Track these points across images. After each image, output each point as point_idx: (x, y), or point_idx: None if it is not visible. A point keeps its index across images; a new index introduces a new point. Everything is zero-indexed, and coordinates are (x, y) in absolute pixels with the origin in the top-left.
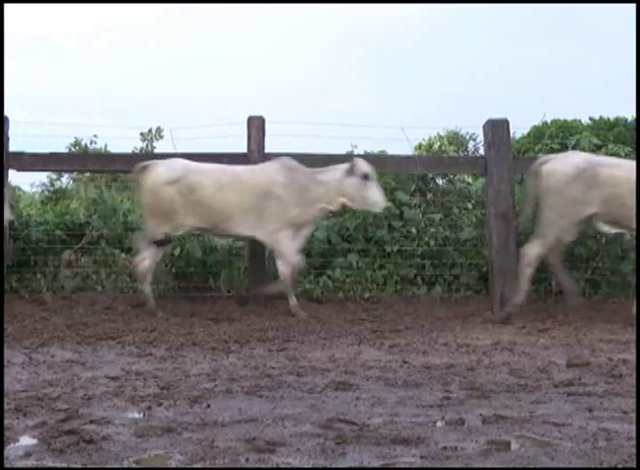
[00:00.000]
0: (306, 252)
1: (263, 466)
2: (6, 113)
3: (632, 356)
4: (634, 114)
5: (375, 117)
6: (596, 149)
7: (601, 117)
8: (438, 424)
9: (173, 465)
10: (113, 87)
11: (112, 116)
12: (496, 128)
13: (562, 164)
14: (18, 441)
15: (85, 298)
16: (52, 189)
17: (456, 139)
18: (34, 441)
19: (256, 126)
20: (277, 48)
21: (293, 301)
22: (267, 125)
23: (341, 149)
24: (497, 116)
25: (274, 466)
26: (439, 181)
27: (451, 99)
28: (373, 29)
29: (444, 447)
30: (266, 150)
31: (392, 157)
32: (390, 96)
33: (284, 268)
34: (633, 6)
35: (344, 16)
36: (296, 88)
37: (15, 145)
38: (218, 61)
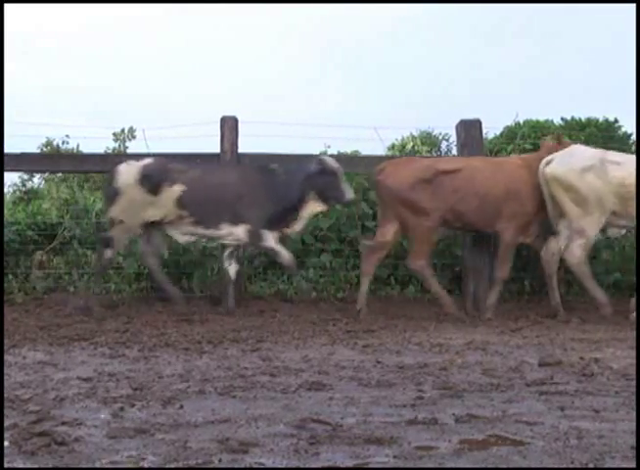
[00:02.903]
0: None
1: (237, 467)
2: None
3: (604, 355)
4: (605, 114)
5: (354, 118)
6: None
7: (573, 118)
8: (411, 424)
9: (146, 466)
10: (85, 87)
11: (83, 116)
12: (469, 128)
13: (575, 161)
14: None
15: (57, 299)
16: (24, 189)
17: (429, 139)
18: (5, 443)
19: (230, 126)
20: (256, 49)
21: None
22: (241, 125)
23: (314, 149)
24: (470, 116)
25: (247, 466)
26: None
27: (425, 99)
28: (353, 30)
29: (417, 447)
30: (240, 150)
31: (366, 157)
32: (369, 96)
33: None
34: (610, 6)
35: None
36: (276, 88)
37: None
38: (192, 61)
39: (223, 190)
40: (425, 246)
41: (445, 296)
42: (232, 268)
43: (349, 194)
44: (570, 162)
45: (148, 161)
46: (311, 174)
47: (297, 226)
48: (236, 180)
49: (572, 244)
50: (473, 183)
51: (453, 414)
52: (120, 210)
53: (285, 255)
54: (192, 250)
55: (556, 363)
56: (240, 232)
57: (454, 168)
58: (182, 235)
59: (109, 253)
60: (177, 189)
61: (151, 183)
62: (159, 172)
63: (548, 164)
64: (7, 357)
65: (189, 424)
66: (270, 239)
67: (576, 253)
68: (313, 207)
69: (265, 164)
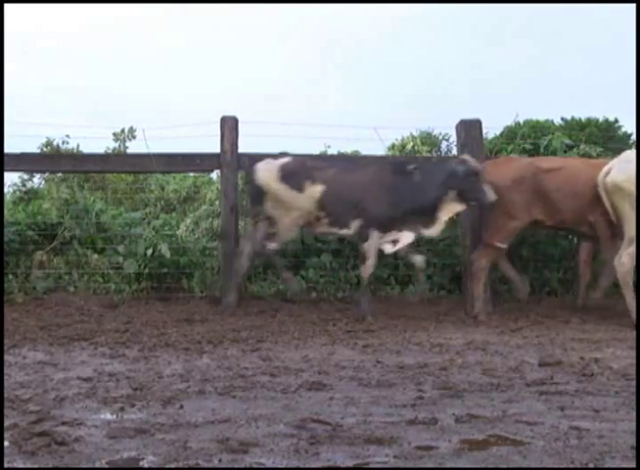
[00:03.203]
0: (280, 252)
1: (237, 466)
2: None
3: (604, 355)
4: (605, 114)
5: (354, 118)
6: (568, 149)
7: (573, 118)
8: (412, 424)
9: (146, 466)
10: (85, 87)
11: (83, 116)
12: (469, 128)
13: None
14: None
15: (57, 299)
16: (24, 189)
17: (429, 139)
18: (5, 443)
19: (230, 126)
20: (256, 49)
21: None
22: (241, 125)
23: (315, 149)
24: (470, 116)
25: (247, 466)
26: None
27: (425, 99)
28: (353, 30)
29: (417, 447)
30: (240, 150)
31: (365, 157)
32: (369, 96)
33: None
34: (610, 6)
35: (327, 17)
36: (276, 88)
37: None
38: (192, 61)
39: (355, 189)
40: (497, 244)
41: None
42: (418, 259)
43: (491, 195)
44: (627, 168)
45: (287, 158)
46: (453, 174)
47: (436, 228)
48: (368, 179)
49: (623, 252)
50: (574, 182)
51: (453, 414)
52: (271, 208)
53: (369, 268)
54: (191, 250)
55: (556, 363)
56: (354, 227)
57: (556, 167)
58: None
59: (272, 244)
60: (318, 189)
61: (293, 180)
62: (299, 170)
63: (607, 173)
64: (7, 357)
65: (189, 424)
66: (372, 245)
67: (626, 261)
68: (452, 207)
69: (404, 164)
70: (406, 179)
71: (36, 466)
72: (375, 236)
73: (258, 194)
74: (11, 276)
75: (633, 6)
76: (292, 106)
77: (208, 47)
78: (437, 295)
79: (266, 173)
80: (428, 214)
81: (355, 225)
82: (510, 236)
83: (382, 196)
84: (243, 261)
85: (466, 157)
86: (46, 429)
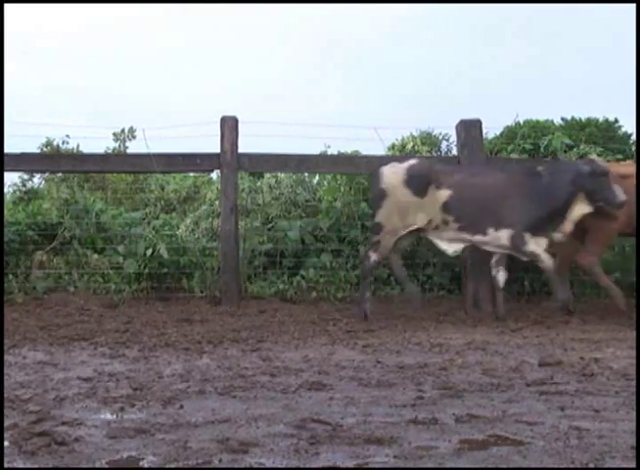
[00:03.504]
0: (279, 252)
1: (237, 467)
2: None
3: (604, 355)
4: (605, 114)
5: (354, 118)
6: (568, 149)
7: (573, 118)
8: (412, 424)
9: (146, 466)
10: (85, 87)
11: (83, 116)
12: (469, 128)
13: None
14: None
15: (57, 299)
16: (24, 189)
17: (429, 139)
18: (5, 443)
19: (230, 126)
20: (256, 49)
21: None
22: (241, 125)
23: (315, 149)
24: (470, 116)
25: (247, 466)
26: None
27: (425, 99)
28: (353, 30)
29: (417, 447)
30: (240, 150)
31: (365, 157)
32: (369, 96)
33: None
34: (610, 6)
35: (327, 17)
36: (276, 88)
37: None
38: (192, 61)
39: (489, 193)
40: (601, 247)
41: (615, 289)
42: (500, 275)
43: (621, 195)
44: None
45: (412, 162)
46: (581, 175)
47: (565, 229)
48: (502, 183)
49: None
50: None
51: (453, 414)
52: (387, 213)
53: (547, 260)
54: (191, 249)
55: (556, 363)
56: (503, 237)
57: (630, 173)
58: (446, 242)
59: (373, 256)
60: (444, 193)
61: (418, 185)
62: (425, 174)
63: None
64: (7, 357)
65: (189, 424)
66: (532, 243)
67: None
68: (580, 208)
69: (532, 166)
70: (537, 181)
71: (36, 466)
72: (529, 237)
73: (379, 198)
74: (11, 276)
75: (633, 6)
76: (292, 106)
77: (208, 47)
78: (437, 294)
79: (392, 176)
80: (558, 216)
81: (503, 235)
82: (610, 236)
83: (522, 199)
84: (398, 270)
85: (594, 157)
86: (46, 429)
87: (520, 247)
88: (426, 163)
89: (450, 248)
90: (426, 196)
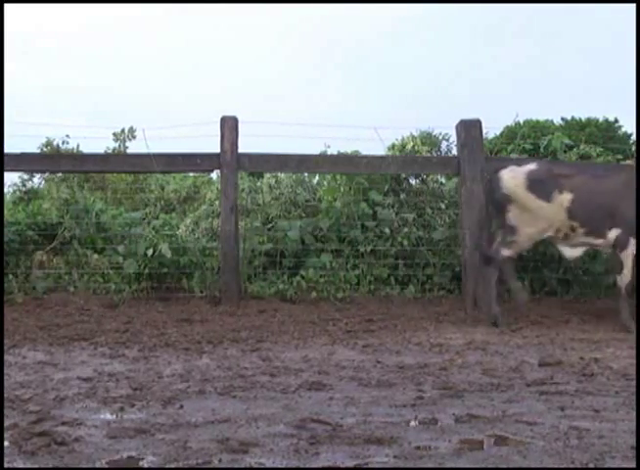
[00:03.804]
0: (279, 252)
1: (236, 467)
2: None
3: (604, 355)
4: (605, 114)
5: (354, 118)
6: (568, 149)
7: (573, 118)
8: (412, 424)
9: (146, 466)
10: (85, 87)
11: (83, 116)
12: (469, 129)
13: None
14: None
15: (57, 299)
16: (24, 189)
17: (429, 139)
18: (5, 443)
19: (230, 126)
20: (256, 49)
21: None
22: (241, 125)
23: (315, 149)
24: (470, 116)
25: (247, 466)
26: (413, 181)
27: (425, 99)
28: (353, 30)
29: (417, 447)
30: (240, 150)
31: (365, 157)
32: (369, 96)
33: None
34: (610, 6)
35: (327, 17)
36: (276, 88)
37: None
38: (192, 61)
39: (609, 195)
40: None
41: None
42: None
43: None
44: None
45: (532, 165)
46: None
47: None
48: (620, 184)
49: None
50: None
51: (453, 414)
52: (519, 217)
53: (627, 276)
54: (191, 249)
55: (556, 363)
56: (612, 236)
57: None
58: (570, 248)
59: (507, 252)
60: (567, 197)
61: (542, 189)
62: (548, 178)
63: None
64: (7, 357)
65: (189, 424)
66: (630, 253)
67: None
68: None
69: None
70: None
71: (36, 466)
72: (632, 244)
73: (503, 202)
74: (11, 276)
75: (633, 6)
76: (292, 106)
77: (208, 47)
78: (437, 295)
79: (512, 181)
80: None
81: (612, 234)
82: None
83: (630, 201)
84: (509, 270)
85: None
86: (46, 429)
87: (621, 250)
88: (545, 165)
89: (574, 253)
90: (550, 201)
